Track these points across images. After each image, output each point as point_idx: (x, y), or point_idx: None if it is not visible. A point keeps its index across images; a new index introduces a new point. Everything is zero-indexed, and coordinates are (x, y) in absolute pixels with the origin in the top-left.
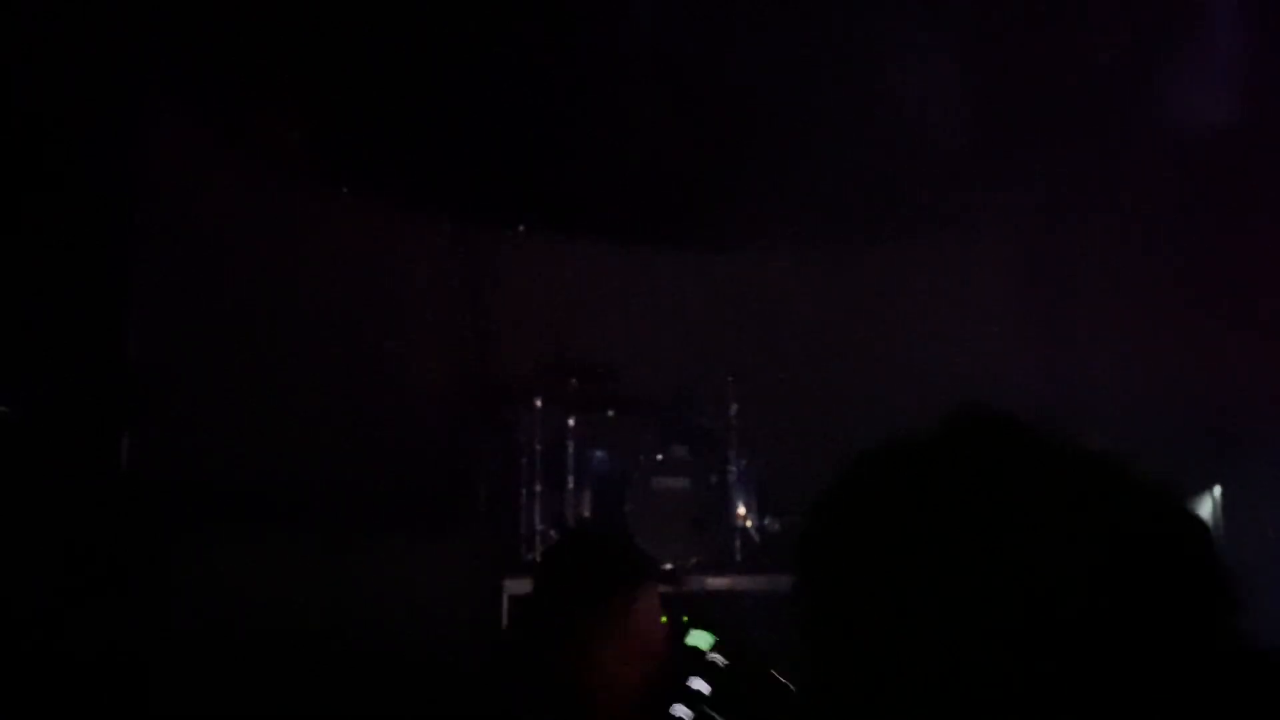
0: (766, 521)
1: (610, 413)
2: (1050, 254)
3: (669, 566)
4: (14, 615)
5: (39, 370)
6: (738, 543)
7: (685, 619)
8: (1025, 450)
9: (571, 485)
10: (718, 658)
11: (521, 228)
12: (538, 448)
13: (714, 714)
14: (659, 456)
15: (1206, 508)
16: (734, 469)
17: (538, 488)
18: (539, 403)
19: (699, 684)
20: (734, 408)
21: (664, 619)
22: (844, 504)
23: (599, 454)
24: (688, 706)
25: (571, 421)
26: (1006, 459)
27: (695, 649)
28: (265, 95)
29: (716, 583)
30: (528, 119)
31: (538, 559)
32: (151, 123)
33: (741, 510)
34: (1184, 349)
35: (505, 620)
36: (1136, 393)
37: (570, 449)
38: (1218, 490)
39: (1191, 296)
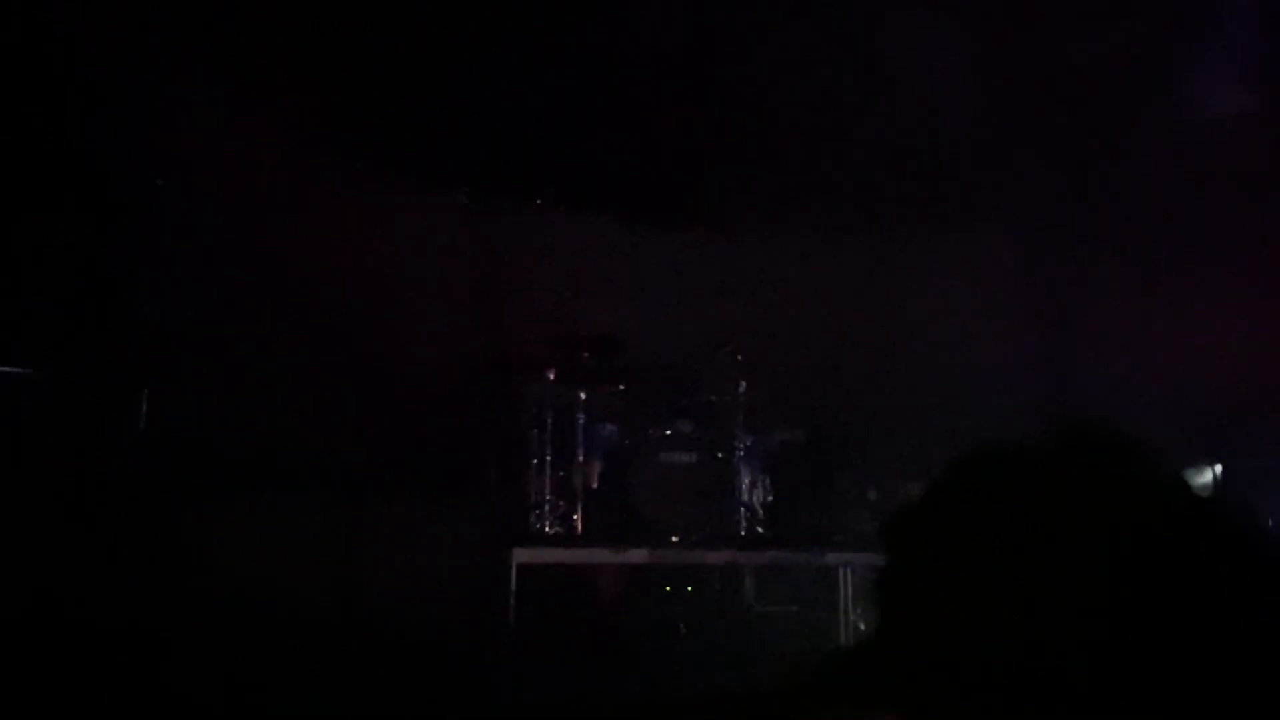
0: (770, 497)
1: (620, 387)
2: (1058, 239)
3: (675, 539)
4: (31, 574)
5: (60, 332)
6: (742, 517)
7: None
8: (1125, 467)
9: (580, 457)
10: None
11: (539, 201)
12: (548, 420)
13: None
14: (666, 431)
15: (1207, 487)
16: (740, 445)
17: (548, 458)
18: (551, 375)
19: None
20: (742, 385)
21: None
22: (951, 497)
23: (608, 427)
24: None
25: (582, 395)
26: (1107, 474)
27: None
28: (285, 62)
29: (719, 557)
30: (546, 96)
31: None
32: (171, 88)
33: (746, 486)
34: (1189, 332)
35: (514, 590)
36: (1140, 373)
37: (580, 422)
38: (1218, 469)
39: (1198, 280)
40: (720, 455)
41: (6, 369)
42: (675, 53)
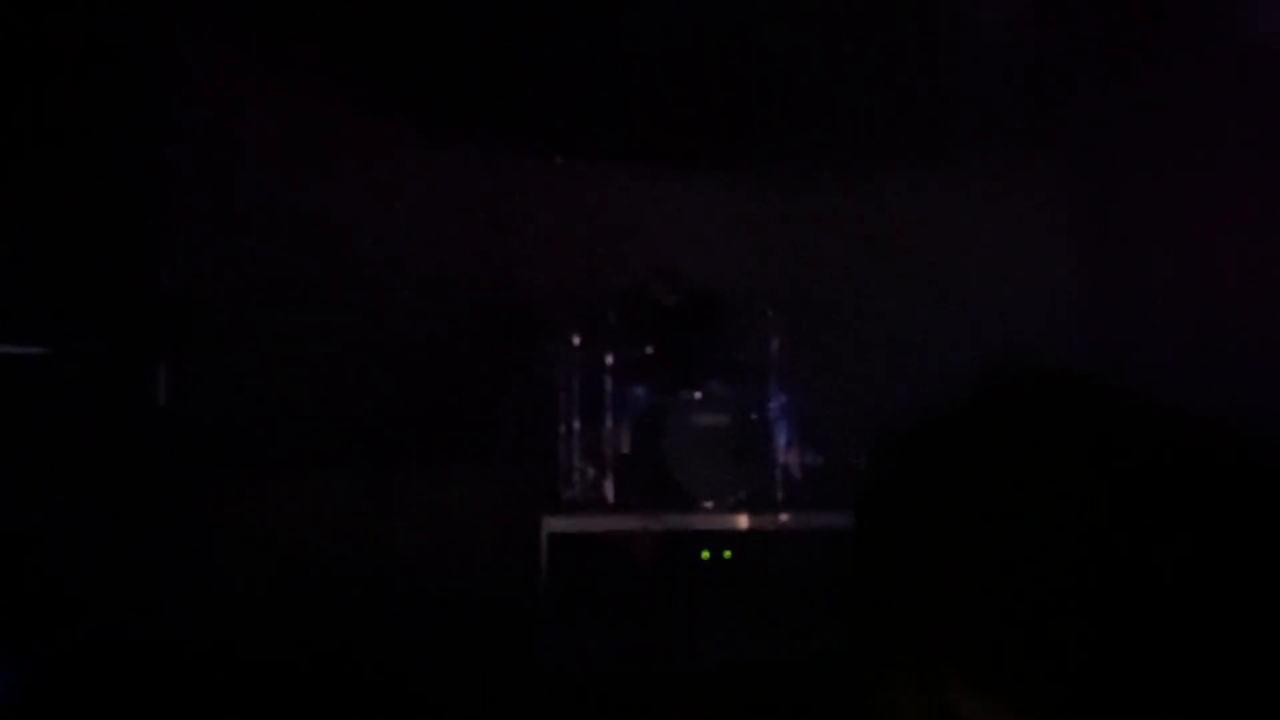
0: (808, 458)
1: (648, 348)
2: (1104, 188)
3: (709, 504)
4: (51, 555)
5: (74, 307)
6: (779, 480)
7: None
8: (1079, 410)
9: (610, 422)
10: None
11: (560, 159)
12: (575, 384)
13: None
14: (697, 393)
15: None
16: (774, 405)
17: (576, 424)
18: (576, 339)
19: None
20: (775, 342)
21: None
22: (903, 460)
23: (637, 390)
24: None
25: (609, 358)
26: (1058, 420)
27: None
28: (298, 19)
29: (757, 520)
30: (567, 45)
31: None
32: (181, 51)
33: (782, 446)
34: (1245, 286)
35: (545, 558)
36: (1189, 331)
37: (608, 385)
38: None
39: (1255, 229)
40: (754, 416)
41: (19, 350)
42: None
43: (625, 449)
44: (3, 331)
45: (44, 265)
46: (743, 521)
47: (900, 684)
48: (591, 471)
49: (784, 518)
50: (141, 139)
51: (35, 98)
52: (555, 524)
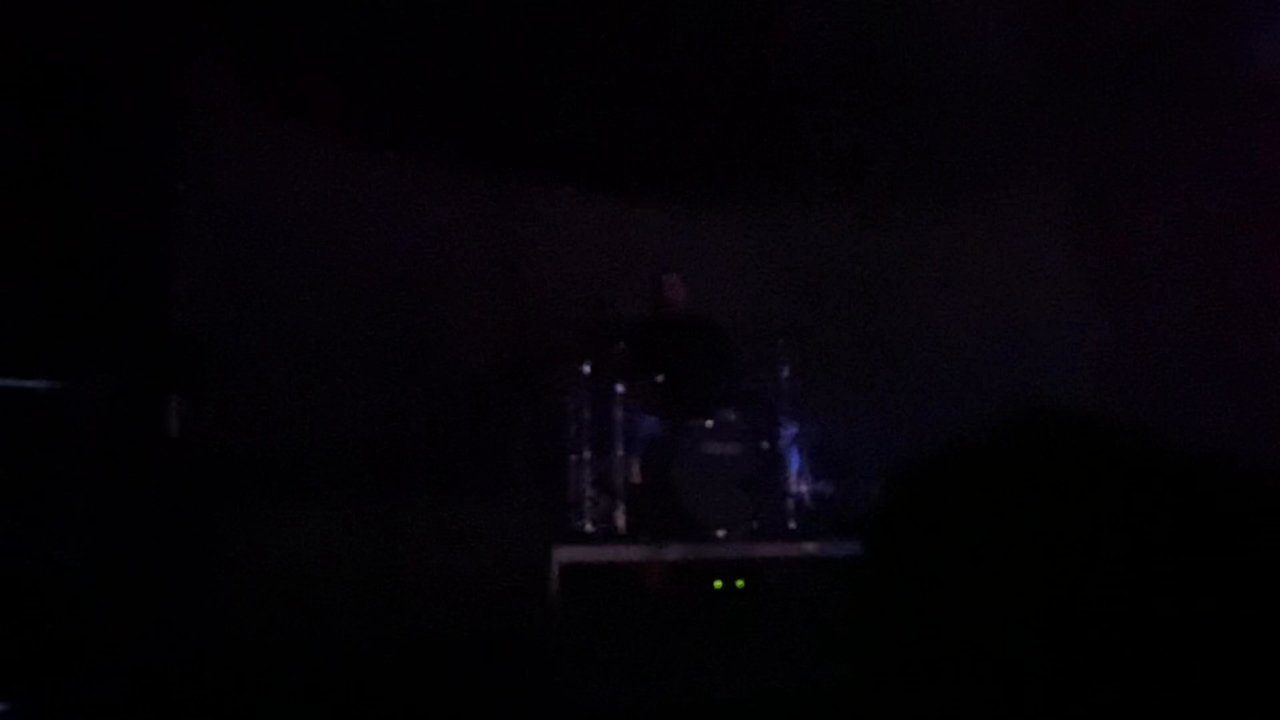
0: (820, 486)
1: (659, 378)
2: (1112, 214)
3: (721, 533)
4: (65, 588)
5: (86, 342)
6: (791, 508)
7: None
8: (1090, 449)
9: (621, 452)
10: None
11: (570, 189)
12: (585, 414)
13: None
14: (708, 422)
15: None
16: (785, 433)
17: (587, 454)
18: (586, 369)
19: None
20: (785, 371)
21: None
22: (915, 491)
23: (648, 420)
24: None
25: (620, 388)
26: (1071, 458)
27: None
28: (308, 55)
29: (771, 549)
30: (576, 80)
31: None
32: (194, 88)
33: (793, 475)
34: (1255, 309)
35: (556, 588)
36: (1203, 353)
37: (618, 415)
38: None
39: (1263, 251)
40: (765, 444)
41: (31, 384)
42: (709, 33)
43: (636, 478)
44: (13, 364)
45: (55, 299)
46: (756, 550)
47: (909, 710)
48: (602, 501)
49: (797, 547)
50: (153, 173)
51: (47, 133)
52: (566, 554)
